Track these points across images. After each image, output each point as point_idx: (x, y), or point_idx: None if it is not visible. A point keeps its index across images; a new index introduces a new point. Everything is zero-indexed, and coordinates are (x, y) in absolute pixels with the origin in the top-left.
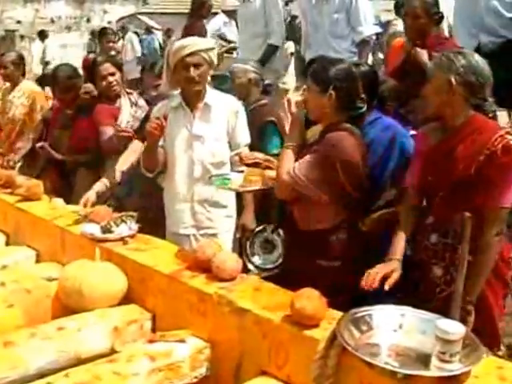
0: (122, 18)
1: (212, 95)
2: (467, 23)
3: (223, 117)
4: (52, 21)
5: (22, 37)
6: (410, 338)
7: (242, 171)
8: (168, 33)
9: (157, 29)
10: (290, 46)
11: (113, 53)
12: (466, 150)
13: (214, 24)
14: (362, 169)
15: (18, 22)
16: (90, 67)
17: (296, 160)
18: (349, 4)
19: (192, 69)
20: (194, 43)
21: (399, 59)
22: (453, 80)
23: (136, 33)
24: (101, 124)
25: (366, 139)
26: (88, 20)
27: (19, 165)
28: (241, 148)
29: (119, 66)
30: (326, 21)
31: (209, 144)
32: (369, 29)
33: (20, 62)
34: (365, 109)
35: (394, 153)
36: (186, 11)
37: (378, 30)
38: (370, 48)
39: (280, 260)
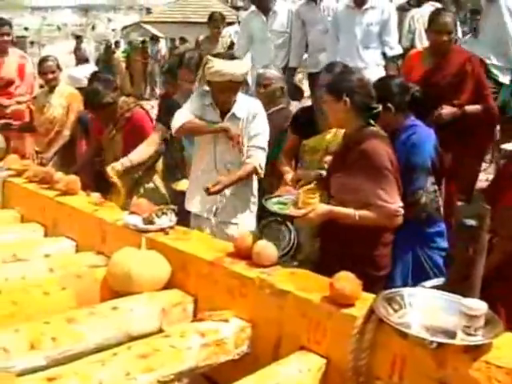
0: (127, 27)
1: (239, 103)
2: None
3: (244, 122)
4: (58, 28)
5: (31, 43)
6: (436, 316)
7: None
8: (181, 41)
9: (161, 37)
10: None
11: (221, 38)
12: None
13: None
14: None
15: (26, 28)
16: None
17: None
18: (385, 18)
19: (227, 94)
20: (234, 72)
21: (420, 69)
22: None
23: (144, 41)
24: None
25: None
26: (93, 27)
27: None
28: (255, 151)
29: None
30: (359, 31)
31: (230, 145)
32: (399, 46)
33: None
34: (380, 108)
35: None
36: (187, 20)
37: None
38: (396, 64)
39: (287, 249)
